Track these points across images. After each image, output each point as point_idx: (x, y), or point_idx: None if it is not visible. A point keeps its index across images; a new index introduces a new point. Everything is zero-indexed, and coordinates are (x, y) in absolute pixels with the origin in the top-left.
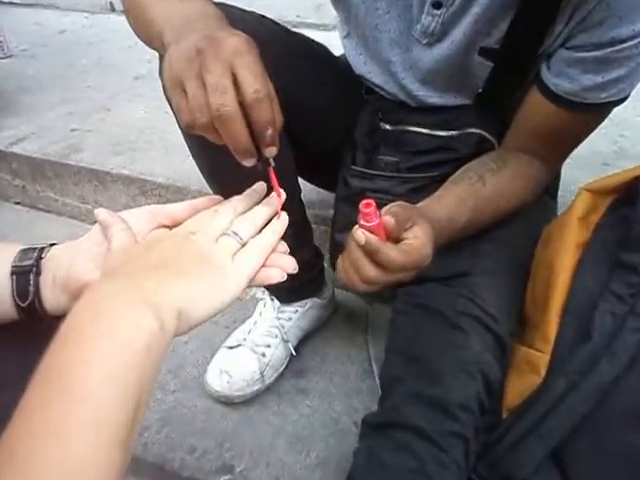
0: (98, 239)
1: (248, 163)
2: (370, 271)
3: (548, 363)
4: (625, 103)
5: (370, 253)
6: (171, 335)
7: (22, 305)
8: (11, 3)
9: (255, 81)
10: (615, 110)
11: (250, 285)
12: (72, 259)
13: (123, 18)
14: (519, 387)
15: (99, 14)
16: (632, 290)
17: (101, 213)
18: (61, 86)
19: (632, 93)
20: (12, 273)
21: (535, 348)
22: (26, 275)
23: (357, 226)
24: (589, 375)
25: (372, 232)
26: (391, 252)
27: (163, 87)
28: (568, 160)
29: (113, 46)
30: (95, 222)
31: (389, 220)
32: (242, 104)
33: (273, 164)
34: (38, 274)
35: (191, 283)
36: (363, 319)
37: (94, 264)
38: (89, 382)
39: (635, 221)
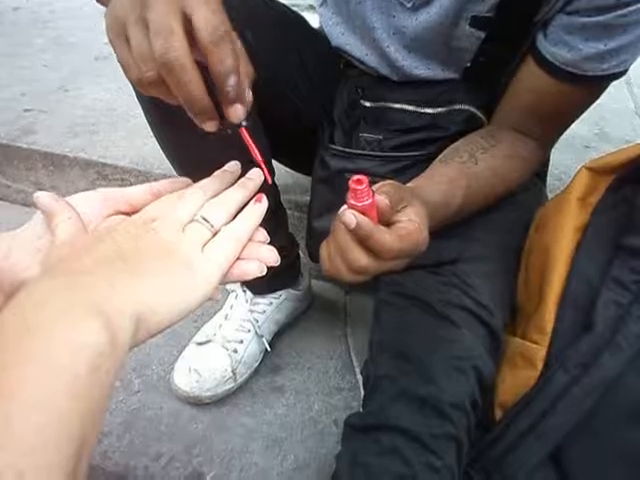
0: (39, 229)
1: (209, 127)
2: (361, 259)
3: (545, 356)
4: None
5: (361, 238)
6: (126, 349)
7: None
8: None
9: (212, 17)
10: None
11: (224, 282)
12: (7, 253)
13: None
14: (513, 382)
15: None
16: (637, 277)
17: (43, 197)
18: (15, 65)
19: None
20: None
21: (530, 340)
22: None
23: (345, 206)
24: (591, 369)
25: (363, 213)
26: (386, 237)
27: (108, 36)
28: None
29: (72, 25)
30: None
31: (382, 200)
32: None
33: (245, 123)
34: None
35: (151, 282)
36: (341, 310)
37: (33, 260)
38: (15, 420)
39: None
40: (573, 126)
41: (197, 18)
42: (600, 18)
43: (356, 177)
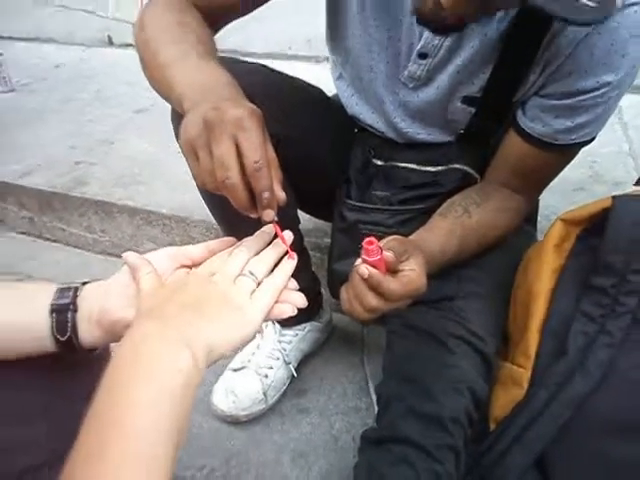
0: (127, 280)
1: (252, 216)
2: (372, 301)
3: (529, 378)
4: None
5: (372, 285)
6: (203, 370)
7: (61, 340)
8: (11, 38)
9: (254, 153)
10: None
11: (265, 320)
12: (104, 298)
13: (120, 51)
14: (504, 400)
15: (96, 47)
16: (602, 310)
17: (130, 257)
18: (62, 119)
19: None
20: (52, 311)
21: (517, 364)
22: (64, 313)
23: (360, 261)
24: (565, 388)
25: (374, 266)
26: (391, 284)
27: (181, 149)
28: None
29: (112, 79)
30: (101, 251)
31: (389, 256)
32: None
33: (276, 219)
34: (75, 311)
35: (216, 324)
36: (359, 340)
37: (124, 303)
38: (139, 424)
39: (603, 249)
40: (566, 169)
41: (243, 152)
42: (567, 101)
43: (367, 239)
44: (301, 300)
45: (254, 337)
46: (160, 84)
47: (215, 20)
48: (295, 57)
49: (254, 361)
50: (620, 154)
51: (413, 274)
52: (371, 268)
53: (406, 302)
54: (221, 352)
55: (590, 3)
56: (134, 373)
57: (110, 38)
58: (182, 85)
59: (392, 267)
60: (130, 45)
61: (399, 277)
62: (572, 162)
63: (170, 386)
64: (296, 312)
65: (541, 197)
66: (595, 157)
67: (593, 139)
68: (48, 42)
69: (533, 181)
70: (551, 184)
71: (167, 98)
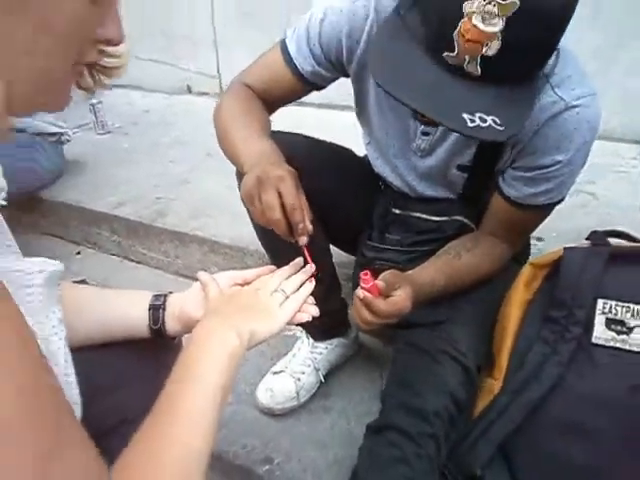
0: (198, 291)
1: (291, 241)
2: (367, 316)
3: (500, 387)
4: (614, 187)
5: (367, 305)
6: (245, 349)
7: (154, 328)
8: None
9: (291, 199)
10: (603, 192)
11: (289, 323)
12: (183, 302)
13: (197, 99)
14: (481, 405)
15: (177, 95)
16: (554, 337)
17: (202, 275)
18: (149, 160)
19: (617, 178)
20: (149, 309)
21: (494, 378)
22: (157, 311)
23: (359, 287)
24: (522, 394)
25: (369, 291)
26: (380, 304)
27: (241, 198)
28: (554, 234)
29: (189, 125)
30: (174, 272)
31: (380, 283)
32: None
33: (306, 243)
34: (164, 310)
35: (257, 320)
36: (379, 357)
37: (197, 306)
38: (205, 374)
39: (557, 288)
40: (585, 219)
41: (283, 198)
42: (531, 173)
43: (363, 271)
44: (315, 311)
45: (280, 332)
46: (230, 154)
47: (272, 106)
48: (350, 107)
49: (290, 367)
50: (631, 207)
51: (399, 299)
52: (366, 292)
53: (393, 320)
54: (259, 338)
55: (499, 128)
56: (201, 346)
57: (189, 87)
58: (244, 156)
59: (384, 292)
60: (205, 93)
61: (388, 300)
62: (591, 212)
63: (220, 355)
64: (311, 319)
65: (554, 243)
66: (611, 209)
67: (562, 200)
68: (136, 90)
69: (515, 232)
70: (570, 231)
71: (234, 163)
